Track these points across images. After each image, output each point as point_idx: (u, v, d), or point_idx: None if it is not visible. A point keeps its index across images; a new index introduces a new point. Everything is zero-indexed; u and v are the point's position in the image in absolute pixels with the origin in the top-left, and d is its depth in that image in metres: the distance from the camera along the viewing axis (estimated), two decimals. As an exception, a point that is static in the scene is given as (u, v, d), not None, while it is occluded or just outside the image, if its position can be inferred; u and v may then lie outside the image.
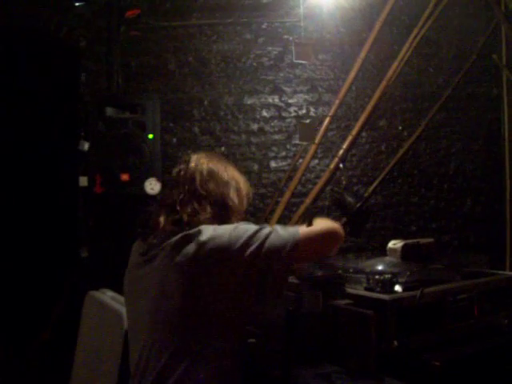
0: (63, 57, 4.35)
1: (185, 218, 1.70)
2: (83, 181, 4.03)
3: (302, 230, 1.67)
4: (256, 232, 1.62)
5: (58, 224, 4.19)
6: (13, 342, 3.48)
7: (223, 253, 1.59)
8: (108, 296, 2.63)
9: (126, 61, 4.17)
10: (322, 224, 1.74)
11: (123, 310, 2.19)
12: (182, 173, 1.80)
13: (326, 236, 1.70)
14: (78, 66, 4.24)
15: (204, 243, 1.59)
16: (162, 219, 1.73)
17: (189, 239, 1.63)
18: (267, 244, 1.59)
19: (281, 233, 1.63)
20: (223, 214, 1.75)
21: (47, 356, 3.46)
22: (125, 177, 3.67)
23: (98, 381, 2.48)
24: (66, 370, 2.87)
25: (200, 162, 1.81)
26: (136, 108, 3.76)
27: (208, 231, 1.63)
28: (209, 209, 1.72)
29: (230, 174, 1.83)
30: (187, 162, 1.83)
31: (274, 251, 1.59)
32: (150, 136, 3.70)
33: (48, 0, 4.15)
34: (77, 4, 4.08)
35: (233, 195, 1.78)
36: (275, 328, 2.03)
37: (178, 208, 1.73)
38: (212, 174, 1.78)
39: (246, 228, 1.64)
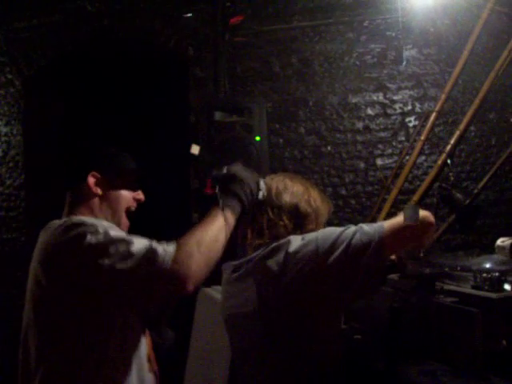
0: (173, 66, 4.58)
1: (264, 228, 1.82)
2: (194, 183, 4.24)
3: (387, 222, 1.70)
4: (341, 233, 1.68)
5: (173, 223, 4.41)
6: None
7: (313, 258, 1.66)
8: (219, 292, 2.75)
9: (232, 66, 4.31)
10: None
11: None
12: None
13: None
14: (186, 74, 4.44)
15: (294, 253, 1.68)
16: (248, 233, 1.86)
17: (279, 250, 1.72)
18: (353, 242, 1.64)
19: (365, 229, 1.67)
20: (298, 221, 1.84)
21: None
22: (234, 178, 3.79)
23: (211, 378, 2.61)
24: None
25: (275, 178, 1.94)
26: (243, 111, 3.87)
27: (297, 241, 1.72)
28: (284, 217, 1.82)
29: (303, 187, 1.91)
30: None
31: (360, 249, 1.63)
32: (257, 138, 3.79)
33: (158, 14, 4.38)
34: (184, 15, 4.28)
35: (305, 205, 1.86)
36: (379, 325, 2.06)
37: (257, 218, 1.85)
38: (286, 187, 1.88)
39: (331, 231, 1.71)
